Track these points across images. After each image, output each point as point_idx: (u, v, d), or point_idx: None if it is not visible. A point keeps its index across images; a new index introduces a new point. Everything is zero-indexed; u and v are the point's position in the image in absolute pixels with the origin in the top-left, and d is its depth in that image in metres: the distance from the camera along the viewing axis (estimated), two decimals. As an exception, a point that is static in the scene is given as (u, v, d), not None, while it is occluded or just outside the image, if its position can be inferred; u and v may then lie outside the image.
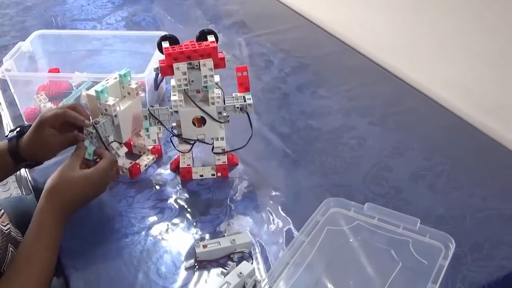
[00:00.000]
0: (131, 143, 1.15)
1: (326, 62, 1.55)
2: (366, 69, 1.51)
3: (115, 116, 1.01)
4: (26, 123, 1.04)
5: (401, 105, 1.33)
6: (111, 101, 1.00)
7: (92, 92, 1.00)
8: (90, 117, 1.01)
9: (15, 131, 1.00)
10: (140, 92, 1.06)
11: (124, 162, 1.09)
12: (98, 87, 1.00)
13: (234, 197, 1.04)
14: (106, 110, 1.00)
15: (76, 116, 0.97)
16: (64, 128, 0.98)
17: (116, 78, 1.04)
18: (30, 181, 1.11)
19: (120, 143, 1.06)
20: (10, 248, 0.85)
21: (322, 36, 1.70)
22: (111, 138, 1.03)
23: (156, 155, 1.14)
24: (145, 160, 1.12)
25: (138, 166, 1.10)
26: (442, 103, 1.33)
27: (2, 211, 0.89)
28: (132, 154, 1.15)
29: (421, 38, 1.40)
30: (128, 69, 1.05)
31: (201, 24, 1.79)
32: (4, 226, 0.87)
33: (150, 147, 1.13)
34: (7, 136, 1.00)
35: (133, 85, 1.05)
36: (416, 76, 1.41)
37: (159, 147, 1.14)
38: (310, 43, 1.65)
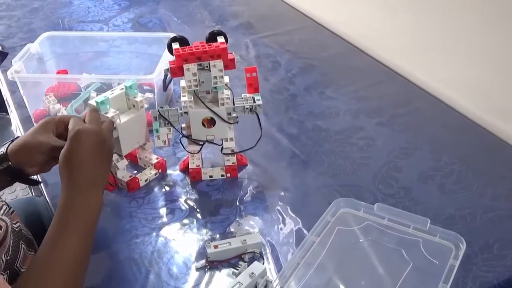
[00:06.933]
0: (137, 155, 1.12)
1: (333, 63, 1.55)
2: (373, 70, 1.51)
3: (115, 128, 0.99)
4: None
5: (409, 106, 1.33)
6: (111, 113, 0.98)
7: (93, 102, 0.98)
8: None
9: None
10: (145, 105, 1.04)
11: (124, 174, 1.07)
12: (99, 98, 0.98)
13: (243, 198, 1.04)
14: None
15: None
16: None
17: (122, 89, 1.02)
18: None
19: (120, 155, 1.04)
20: (22, 245, 0.85)
21: (329, 37, 1.70)
22: None
23: (160, 170, 1.11)
24: (147, 175, 1.09)
25: (137, 180, 1.06)
26: (450, 103, 1.33)
27: (12, 209, 0.89)
28: (137, 166, 1.13)
29: (428, 39, 1.40)
30: (134, 81, 1.03)
31: (207, 25, 1.80)
32: (15, 224, 0.87)
33: (154, 162, 1.10)
34: None
35: (138, 98, 1.02)
36: (424, 77, 1.41)
37: (163, 162, 1.11)
38: (317, 44, 1.66)
